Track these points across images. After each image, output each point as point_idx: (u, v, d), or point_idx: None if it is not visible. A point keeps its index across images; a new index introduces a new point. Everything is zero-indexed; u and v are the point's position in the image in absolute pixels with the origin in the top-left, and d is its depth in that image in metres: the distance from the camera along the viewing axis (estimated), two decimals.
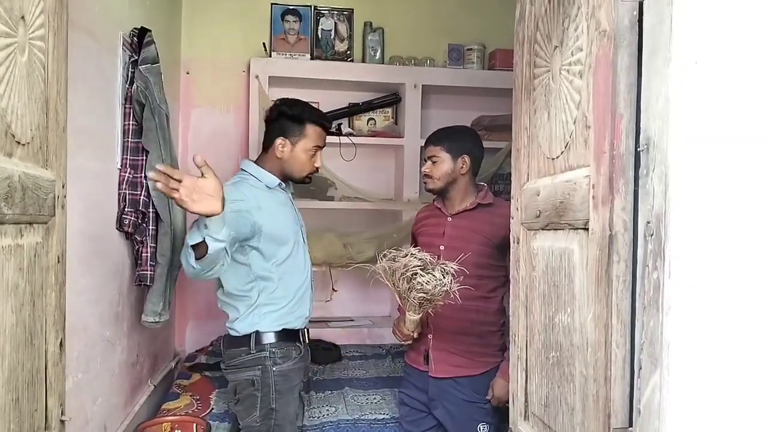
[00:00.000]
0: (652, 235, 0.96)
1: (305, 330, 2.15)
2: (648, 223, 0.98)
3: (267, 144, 2.12)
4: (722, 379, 0.92)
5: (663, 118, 0.95)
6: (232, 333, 2.06)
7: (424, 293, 1.85)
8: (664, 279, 0.93)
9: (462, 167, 2.17)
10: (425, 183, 2.24)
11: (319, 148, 2.12)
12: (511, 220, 1.58)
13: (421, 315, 1.99)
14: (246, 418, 2.05)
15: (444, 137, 2.20)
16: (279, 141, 2.05)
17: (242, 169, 2.13)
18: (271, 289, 2.01)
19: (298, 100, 2.17)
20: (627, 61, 1.05)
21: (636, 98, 1.05)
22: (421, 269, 1.85)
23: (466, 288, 1.88)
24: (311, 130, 2.08)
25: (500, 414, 2.13)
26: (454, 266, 1.85)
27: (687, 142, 0.92)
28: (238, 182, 2.02)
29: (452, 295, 1.84)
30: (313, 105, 3.56)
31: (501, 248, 2.07)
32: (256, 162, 2.14)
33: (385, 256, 1.92)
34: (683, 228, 0.92)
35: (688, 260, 0.91)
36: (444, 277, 1.84)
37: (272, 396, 1.99)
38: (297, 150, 2.07)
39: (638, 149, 1.02)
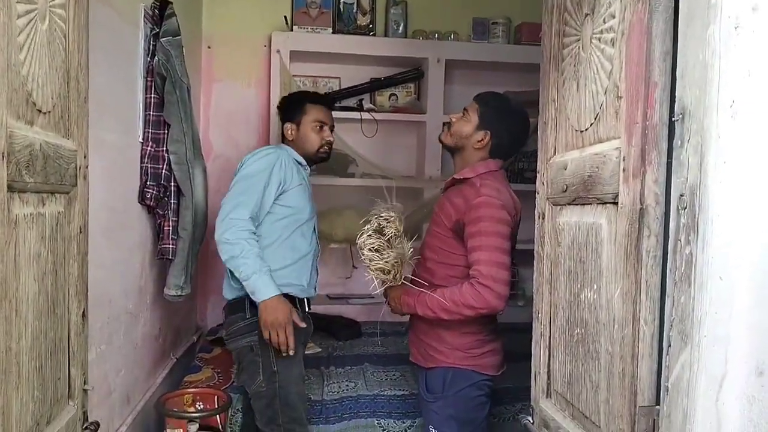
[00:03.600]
0: (686, 208, 0.93)
1: (305, 300, 2.18)
2: (681, 196, 0.94)
3: (282, 132, 2.32)
4: (757, 356, 0.89)
5: (700, 86, 0.91)
6: (226, 295, 2.12)
7: (376, 257, 1.87)
8: (697, 254, 0.90)
9: (479, 141, 1.93)
10: (442, 131, 2.06)
11: (324, 123, 2.25)
12: (537, 195, 1.54)
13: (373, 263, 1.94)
14: (252, 386, 2.08)
15: (487, 101, 1.97)
16: (286, 126, 2.27)
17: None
18: (268, 245, 2.06)
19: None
20: (662, 27, 1.01)
21: (671, 66, 1.01)
22: (394, 240, 1.87)
23: (415, 278, 1.91)
24: (310, 108, 2.26)
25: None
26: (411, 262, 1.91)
27: (726, 111, 0.88)
28: (274, 150, 2.15)
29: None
30: (334, 79, 3.61)
31: (456, 232, 1.89)
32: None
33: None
34: (719, 201, 0.88)
35: (724, 234, 0.88)
36: (392, 268, 1.88)
37: (272, 359, 2.03)
38: (302, 128, 2.24)
39: (673, 119, 0.98)
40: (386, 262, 1.88)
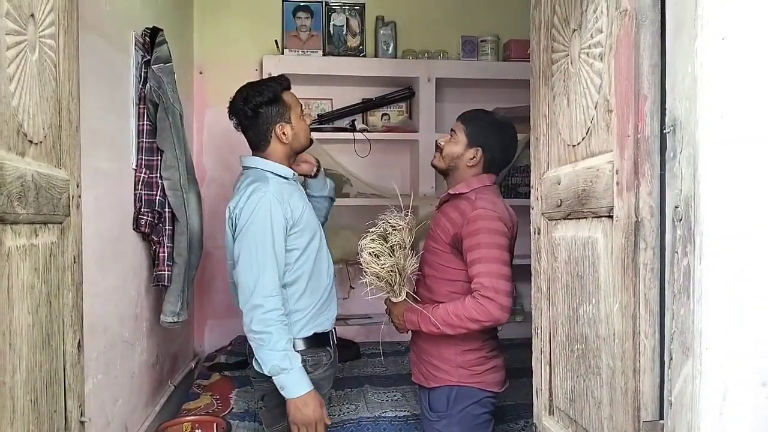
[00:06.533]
0: (681, 219, 0.92)
1: (333, 330, 2.02)
2: (676, 207, 0.94)
3: (261, 141, 1.95)
4: (760, 367, 0.88)
5: (690, 98, 0.91)
6: None
7: (374, 262, 1.84)
8: (695, 265, 0.89)
9: (471, 159, 1.94)
10: (434, 156, 2.05)
11: (301, 106, 2.02)
12: (531, 211, 1.54)
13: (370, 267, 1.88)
14: (272, 426, 1.98)
15: (472, 119, 1.99)
16: (279, 130, 1.92)
17: (251, 167, 1.95)
18: (299, 293, 1.88)
19: (252, 83, 2.01)
20: (650, 41, 1.02)
21: (660, 79, 1.01)
22: (397, 249, 1.83)
23: (414, 296, 1.91)
24: (288, 98, 1.96)
25: None
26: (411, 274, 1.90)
27: (716, 122, 0.88)
28: (260, 185, 1.84)
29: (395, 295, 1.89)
30: (326, 101, 3.62)
31: (454, 247, 1.89)
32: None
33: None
34: (715, 211, 0.88)
35: (721, 245, 0.87)
36: (388, 275, 1.84)
37: None
38: (295, 124, 1.95)
39: (664, 131, 0.99)
40: (382, 268, 1.84)
